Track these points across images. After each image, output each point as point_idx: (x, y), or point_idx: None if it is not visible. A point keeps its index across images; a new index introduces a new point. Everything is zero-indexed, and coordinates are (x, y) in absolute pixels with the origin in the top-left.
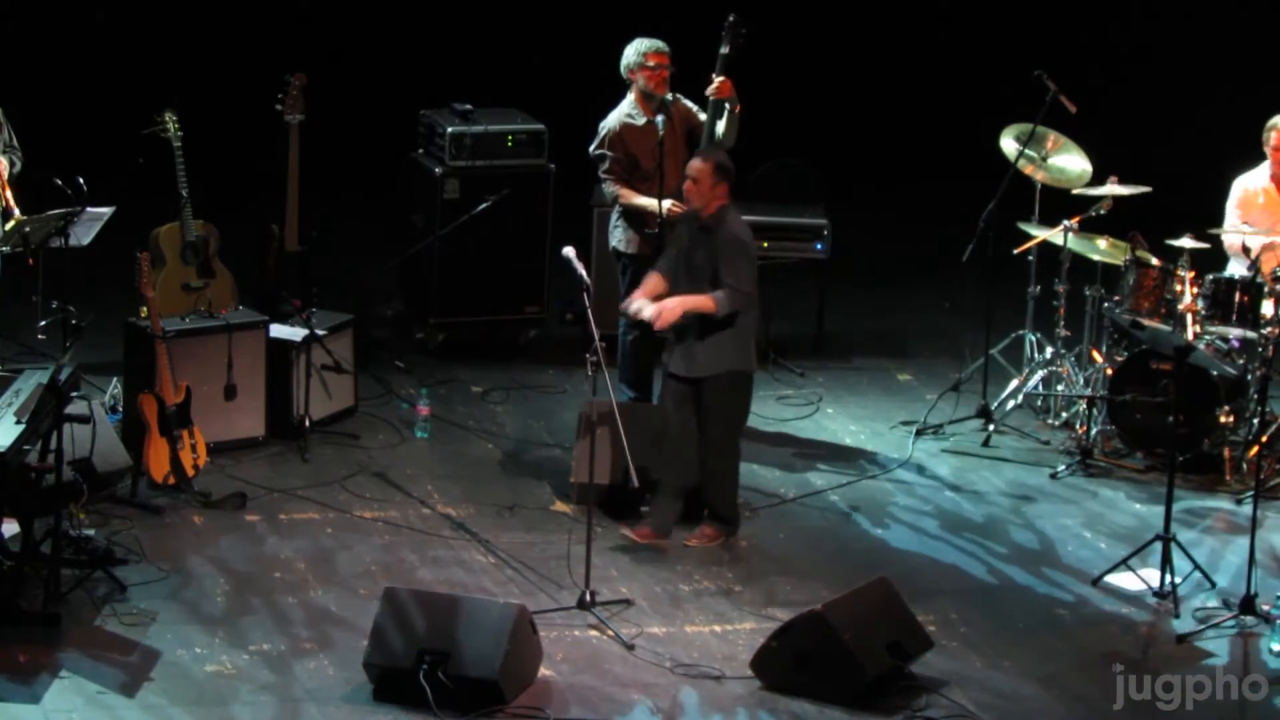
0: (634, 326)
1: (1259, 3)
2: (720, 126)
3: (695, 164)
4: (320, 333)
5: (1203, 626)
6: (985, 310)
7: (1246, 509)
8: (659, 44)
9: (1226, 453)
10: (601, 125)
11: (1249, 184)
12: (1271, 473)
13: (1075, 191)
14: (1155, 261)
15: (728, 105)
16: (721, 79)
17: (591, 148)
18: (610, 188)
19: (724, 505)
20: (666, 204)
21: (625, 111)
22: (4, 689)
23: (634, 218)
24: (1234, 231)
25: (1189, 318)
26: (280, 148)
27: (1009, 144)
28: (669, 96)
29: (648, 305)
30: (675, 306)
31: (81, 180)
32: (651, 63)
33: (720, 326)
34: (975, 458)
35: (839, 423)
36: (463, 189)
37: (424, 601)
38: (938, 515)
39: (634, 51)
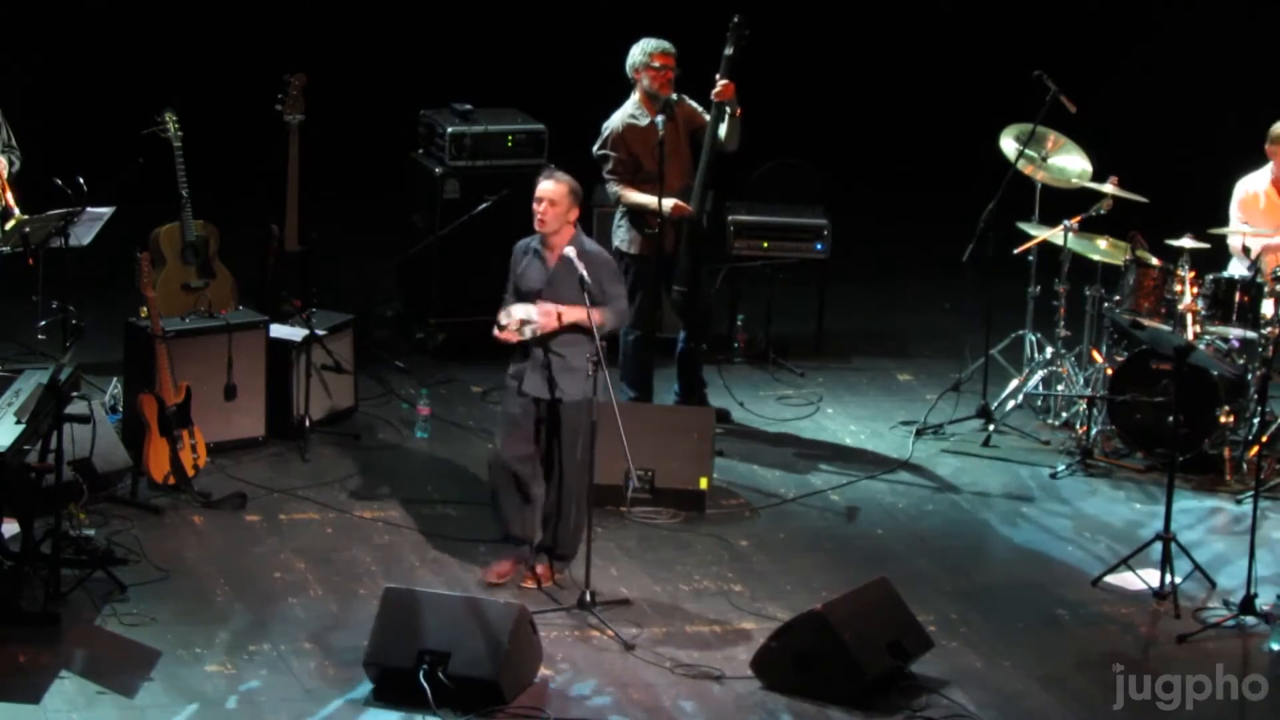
0: (635, 326)
1: (1260, 3)
2: (722, 129)
3: (551, 187)
4: (320, 333)
5: (1203, 626)
6: (985, 310)
7: (1246, 509)
8: (665, 44)
9: (1226, 453)
10: (605, 126)
11: (1250, 186)
12: (1271, 473)
13: (1075, 183)
14: (1155, 261)
15: (728, 108)
16: (725, 81)
17: (595, 148)
18: (613, 188)
19: (571, 541)
20: (669, 203)
21: (629, 112)
22: (4, 689)
23: (636, 218)
24: (1235, 232)
25: (1189, 318)
26: (280, 148)
27: (1009, 144)
28: (673, 97)
29: (529, 313)
30: (567, 313)
31: (81, 180)
32: (657, 63)
33: (586, 349)
34: (975, 458)
35: (839, 423)
36: (463, 189)
37: (424, 601)
38: (938, 515)
39: (639, 52)
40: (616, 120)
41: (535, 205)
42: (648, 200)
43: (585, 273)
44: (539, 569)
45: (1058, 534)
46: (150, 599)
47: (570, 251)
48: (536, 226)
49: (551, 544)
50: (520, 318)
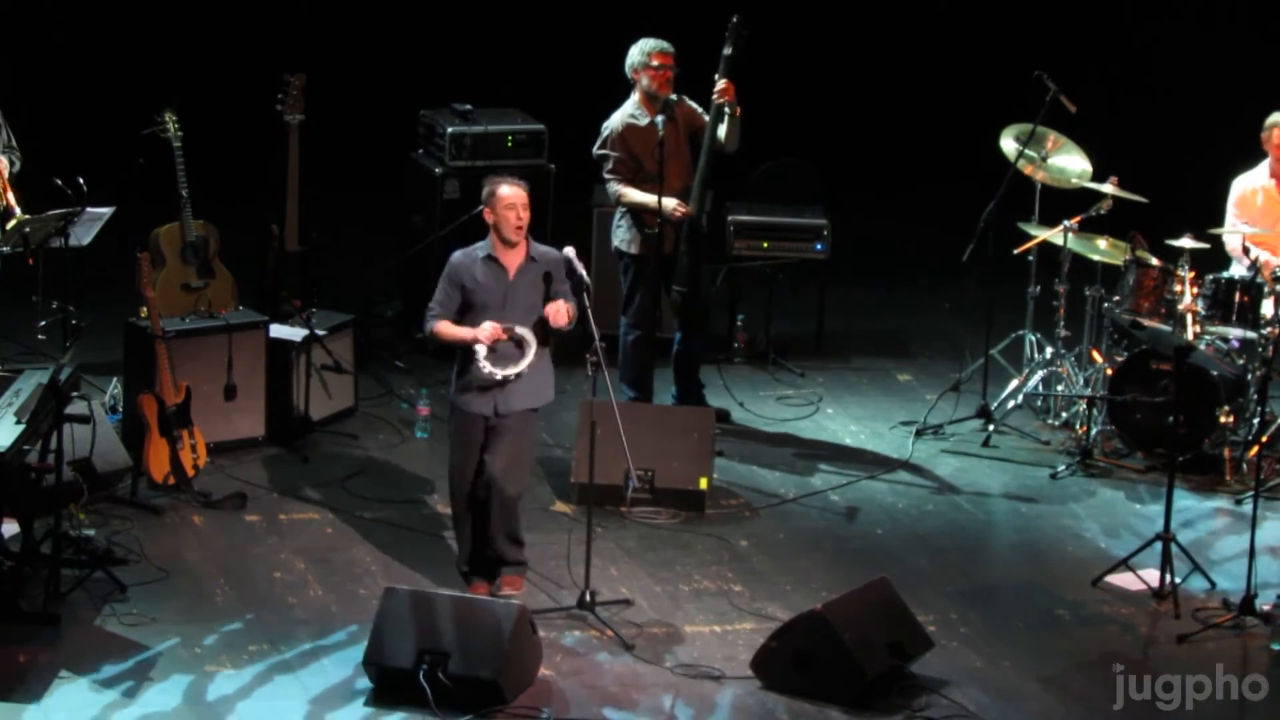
0: (634, 327)
1: (1260, 3)
2: (721, 130)
3: (519, 193)
4: (320, 333)
5: (1203, 626)
6: (985, 310)
7: (1246, 509)
8: (664, 44)
9: (1226, 453)
10: (604, 126)
11: (1247, 183)
12: (1271, 473)
13: (1075, 183)
14: (1155, 261)
15: (728, 109)
16: (724, 81)
17: (595, 148)
18: (613, 188)
19: (518, 546)
20: (669, 203)
21: (628, 112)
22: (4, 689)
23: (636, 218)
24: (1233, 232)
25: (1189, 318)
26: (280, 148)
27: (1009, 144)
28: (673, 97)
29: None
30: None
31: (81, 180)
32: (656, 63)
33: (541, 358)
34: (975, 458)
35: (839, 423)
36: (463, 189)
37: (424, 601)
38: (938, 515)
39: (639, 52)
40: (616, 120)
41: (507, 212)
42: (648, 200)
43: (584, 274)
44: (517, 580)
45: (1058, 534)
46: (150, 599)
47: (569, 252)
48: (512, 235)
49: (501, 554)
50: (523, 364)
